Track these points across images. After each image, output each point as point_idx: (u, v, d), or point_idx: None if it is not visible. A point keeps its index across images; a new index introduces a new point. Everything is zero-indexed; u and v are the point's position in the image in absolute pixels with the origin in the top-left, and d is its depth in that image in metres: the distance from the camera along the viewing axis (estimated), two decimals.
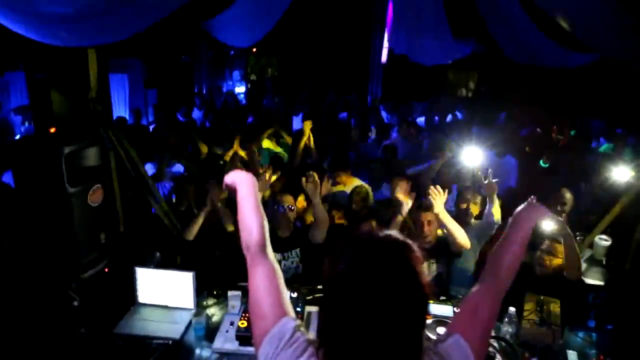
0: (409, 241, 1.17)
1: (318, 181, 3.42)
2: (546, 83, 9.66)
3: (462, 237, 3.34)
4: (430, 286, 1.14)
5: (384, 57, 11.27)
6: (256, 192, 1.62)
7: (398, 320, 1.09)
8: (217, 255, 3.86)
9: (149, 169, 5.10)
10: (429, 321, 2.84)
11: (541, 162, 5.64)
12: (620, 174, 3.85)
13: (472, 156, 3.97)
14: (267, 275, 1.44)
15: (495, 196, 3.63)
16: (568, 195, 4.08)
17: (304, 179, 3.45)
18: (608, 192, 4.21)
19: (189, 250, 3.81)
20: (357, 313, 1.09)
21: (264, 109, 8.84)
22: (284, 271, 3.62)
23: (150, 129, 8.03)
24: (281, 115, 8.17)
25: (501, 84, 11.02)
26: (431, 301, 3.02)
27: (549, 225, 3.08)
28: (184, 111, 8.40)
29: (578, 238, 3.94)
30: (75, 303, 3.00)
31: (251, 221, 1.58)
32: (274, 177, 3.88)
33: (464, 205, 3.97)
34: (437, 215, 3.33)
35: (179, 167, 5.40)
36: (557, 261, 3.21)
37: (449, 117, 9.01)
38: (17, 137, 7.39)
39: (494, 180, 3.57)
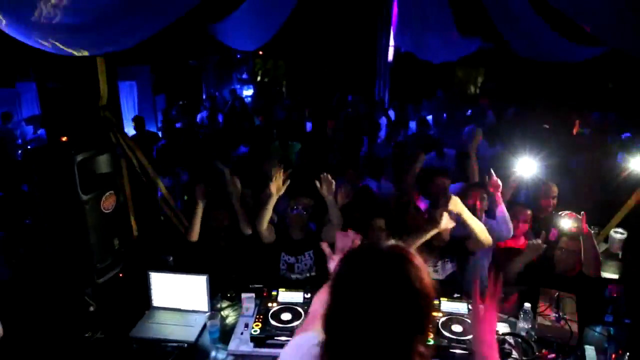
0: (410, 251, 1.22)
1: (332, 181, 3.41)
2: (553, 78, 9.59)
3: (484, 235, 3.29)
4: (429, 294, 1.17)
5: (390, 56, 11.24)
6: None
7: (391, 326, 1.14)
8: (229, 257, 3.86)
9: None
10: (443, 318, 2.83)
11: None
12: (636, 164, 3.80)
13: (527, 166, 3.86)
14: None
15: (499, 195, 3.57)
16: (555, 189, 4.07)
17: (317, 182, 3.43)
18: (624, 185, 4.16)
19: (201, 253, 3.83)
20: (354, 317, 1.16)
21: (276, 119, 8.73)
22: (297, 273, 3.64)
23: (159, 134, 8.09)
24: (293, 123, 8.14)
25: (509, 80, 10.96)
26: (445, 299, 3.01)
27: (567, 223, 3.06)
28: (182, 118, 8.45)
29: (593, 232, 3.90)
30: (91, 308, 3.03)
31: None
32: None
33: (470, 202, 3.92)
34: (457, 215, 3.28)
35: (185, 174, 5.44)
36: (574, 258, 3.18)
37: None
38: (29, 146, 7.48)
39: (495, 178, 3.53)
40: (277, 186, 3.40)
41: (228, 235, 3.75)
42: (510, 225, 3.58)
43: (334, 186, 3.42)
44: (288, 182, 3.46)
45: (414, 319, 1.16)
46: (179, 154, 6.07)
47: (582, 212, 3.10)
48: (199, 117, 9.13)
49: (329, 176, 3.41)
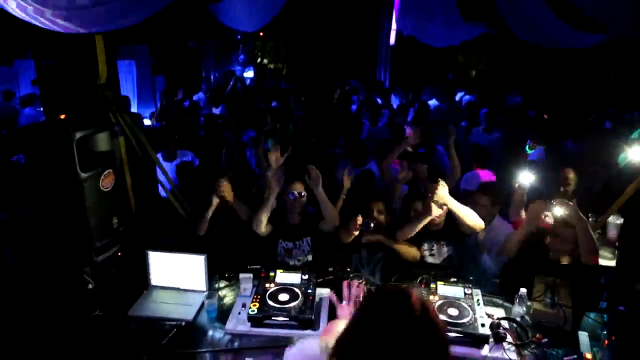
0: (414, 292, 1.34)
1: (319, 174, 3.39)
2: (555, 65, 9.54)
3: (472, 219, 3.32)
4: (439, 332, 1.29)
5: (392, 40, 11.14)
6: None
7: None
8: (229, 241, 3.87)
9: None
10: (439, 302, 2.85)
11: (527, 147, 5.57)
12: (635, 154, 3.80)
13: (526, 177, 3.82)
14: None
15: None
16: (571, 176, 4.04)
17: (306, 176, 3.42)
18: (623, 173, 4.16)
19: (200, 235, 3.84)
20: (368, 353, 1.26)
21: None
22: (295, 259, 3.66)
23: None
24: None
25: (511, 65, 10.89)
26: (441, 282, 3.03)
27: (559, 210, 3.05)
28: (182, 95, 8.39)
29: (591, 219, 3.92)
30: (90, 286, 3.05)
31: None
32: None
33: None
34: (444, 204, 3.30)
35: (187, 155, 5.42)
36: (569, 246, 3.18)
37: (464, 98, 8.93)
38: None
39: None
40: (275, 157, 3.41)
41: (227, 218, 3.76)
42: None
43: (320, 179, 3.39)
44: (287, 153, 3.47)
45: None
46: (184, 135, 6.04)
47: (573, 200, 3.10)
48: (195, 97, 9.08)
49: (315, 170, 3.38)
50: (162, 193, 4.19)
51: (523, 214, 3.87)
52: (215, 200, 3.61)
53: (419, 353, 1.24)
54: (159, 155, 5.18)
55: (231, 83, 9.72)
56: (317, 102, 7.96)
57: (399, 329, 1.25)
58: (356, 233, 3.39)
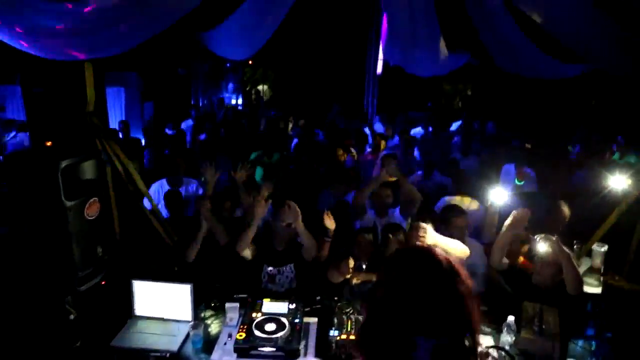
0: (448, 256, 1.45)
1: (298, 210, 3.39)
2: (538, 94, 9.77)
3: (459, 250, 3.32)
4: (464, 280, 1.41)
5: (379, 69, 11.35)
6: None
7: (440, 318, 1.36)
8: (213, 266, 3.83)
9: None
10: None
11: (516, 180, 5.65)
12: (616, 182, 3.87)
13: (499, 196, 3.86)
14: None
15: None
16: (566, 209, 4.07)
17: (283, 210, 3.43)
18: (604, 201, 4.22)
19: (185, 263, 3.79)
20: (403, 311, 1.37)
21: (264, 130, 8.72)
22: (278, 285, 3.61)
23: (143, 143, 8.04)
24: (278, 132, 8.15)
25: (494, 95, 11.14)
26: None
27: (543, 247, 3.08)
28: (171, 125, 8.41)
29: (575, 247, 3.95)
30: (72, 317, 2.98)
31: None
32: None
33: None
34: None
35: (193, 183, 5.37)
36: (552, 270, 3.20)
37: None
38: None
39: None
40: (261, 210, 3.41)
41: (212, 244, 3.73)
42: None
43: (299, 214, 3.40)
44: (269, 202, 3.47)
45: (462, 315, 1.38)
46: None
47: (555, 236, 3.12)
48: (183, 125, 9.08)
49: (293, 204, 3.41)
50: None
51: (494, 233, 3.88)
52: (206, 225, 3.58)
53: (449, 302, 1.36)
54: (164, 182, 5.13)
55: (222, 112, 9.79)
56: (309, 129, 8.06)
57: (431, 282, 1.38)
58: (348, 276, 3.38)
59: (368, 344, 1.42)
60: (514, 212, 3.32)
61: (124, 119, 9.33)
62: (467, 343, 1.36)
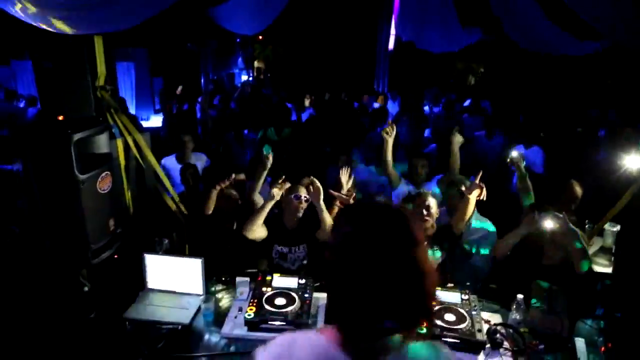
0: (409, 213, 1.25)
1: (320, 186, 3.39)
2: (553, 73, 9.58)
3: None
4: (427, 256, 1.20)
5: (391, 45, 11.18)
6: None
7: (402, 279, 1.13)
8: (225, 244, 3.86)
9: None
10: (436, 308, 2.84)
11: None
12: (632, 161, 3.81)
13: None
14: None
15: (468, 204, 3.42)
16: (578, 189, 4.03)
17: (305, 188, 3.43)
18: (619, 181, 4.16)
19: (197, 237, 3.83)
20: (364, 273, 1.13)
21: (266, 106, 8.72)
22: (290, 262, 3.63)
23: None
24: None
25: (509, 73, 10.94)
26: (438, 289, 3.02)
27: (550, 223, 3.06)
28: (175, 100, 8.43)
29: (587, 226, 3.92)
30: (86, 289, 3.03)
31: None
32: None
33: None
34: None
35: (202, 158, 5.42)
36: (563, 252, 3.19)
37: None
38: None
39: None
40: (279, 190, 3.39)
41: (223, 222, 3.75)
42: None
43: (321, 192, 3.40)
44: (286, 185, 3.46)
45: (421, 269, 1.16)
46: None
47: (563, 213, 3.10)
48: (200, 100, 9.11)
49: (317, 182, 3.40)
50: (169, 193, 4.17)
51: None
52: (221, 186, 3.65)
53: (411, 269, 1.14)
54: (173, 157, 5.16)
55: (239, 88, 9.76)
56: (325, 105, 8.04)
57: (400, 251, 1.14)
58: None
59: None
60: (525, 218, 3.32)
61: (134, 93, 9.36)
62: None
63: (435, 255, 3.54)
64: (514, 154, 3.79)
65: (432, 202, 3.49)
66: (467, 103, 9.33)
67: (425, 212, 3.46)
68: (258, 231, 3.46)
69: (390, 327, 1.15)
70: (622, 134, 5.86)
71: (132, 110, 8.86)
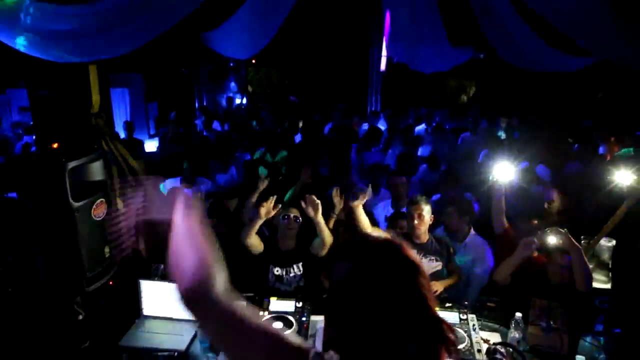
0: (402, 241, 1.23)
1: (318, 202, 3.41)
2: (544, 88, 9.70)
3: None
4: (428, 281, 1.20)
5: (382, 66, 11.31)
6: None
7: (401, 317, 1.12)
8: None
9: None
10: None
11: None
12: (622, 177, 3.84)
13: (504, 171, 3.72)
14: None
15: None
16: (555, 194, 4.10)
17: (303, 203, 3.43)
18: (612, 196, 4.19)
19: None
20: (373, 307, 1.11)
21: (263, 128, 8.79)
22: (286, 284, 3.62)
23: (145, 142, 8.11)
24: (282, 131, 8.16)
25: (500, 90, 11.07)
26: (437, 308, 3.00)
27: (552, 239, 3.07)
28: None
29: (583, 242, 3.92)
30: (80, 317, 2.99)
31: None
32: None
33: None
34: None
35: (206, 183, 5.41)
36: (565, 271, 3.18)
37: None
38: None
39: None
40: (266, 210, 3.38)
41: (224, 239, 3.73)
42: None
43: (320, 207, 3.41)
44: (279, 207, 3.46)
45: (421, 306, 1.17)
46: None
47: (564, 229, 3.11)
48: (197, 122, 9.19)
49: (314, 197, 3.41)
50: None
51: (504, 220, 3.88)
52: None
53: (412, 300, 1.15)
54: (177, 180, 5.14)
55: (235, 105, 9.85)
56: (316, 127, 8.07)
57: (401, 284, 1.14)
58: None
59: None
60: (521, 242, 3.29)
61: (129, 119, 9.39)
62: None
63: (430, 265, 3.55)
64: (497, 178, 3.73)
65: (425, 210, 3.53)
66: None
67: (417, 220, 3.51)
68: (254, 238, 3.47)
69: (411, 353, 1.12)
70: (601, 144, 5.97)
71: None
